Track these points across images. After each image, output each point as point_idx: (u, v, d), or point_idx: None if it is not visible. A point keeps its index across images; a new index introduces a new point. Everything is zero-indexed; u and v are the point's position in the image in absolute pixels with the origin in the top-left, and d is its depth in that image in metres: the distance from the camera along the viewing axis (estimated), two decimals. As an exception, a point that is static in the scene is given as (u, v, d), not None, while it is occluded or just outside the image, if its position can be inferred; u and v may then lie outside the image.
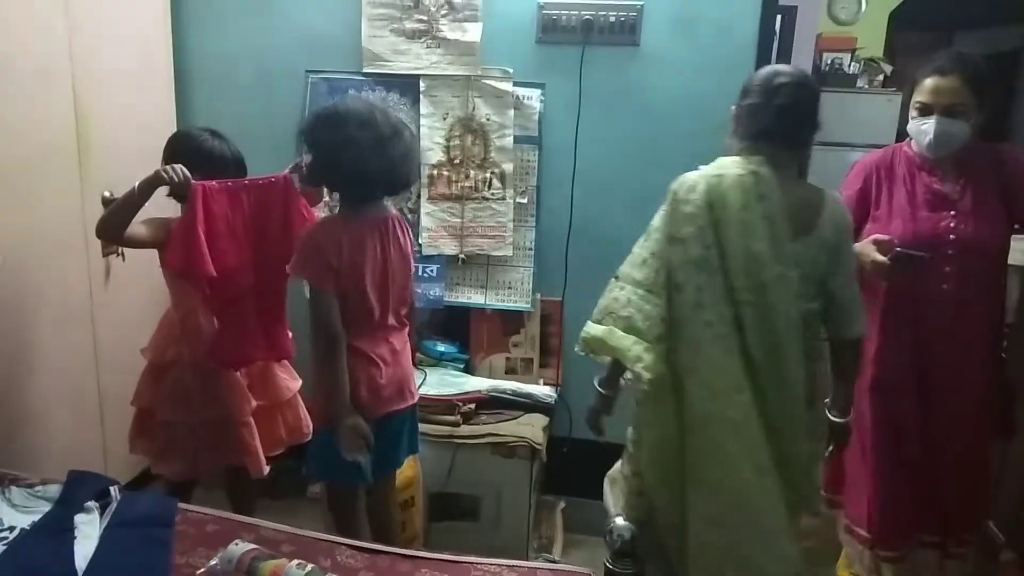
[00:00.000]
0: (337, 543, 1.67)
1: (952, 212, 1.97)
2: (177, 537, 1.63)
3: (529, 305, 2.80)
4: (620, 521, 1.57)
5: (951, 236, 1.96)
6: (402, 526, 2.43)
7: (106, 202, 2.34)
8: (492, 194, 2.76)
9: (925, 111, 1.94)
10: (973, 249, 1.94)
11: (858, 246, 1.90)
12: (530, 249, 2.80)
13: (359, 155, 1.82)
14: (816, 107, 1.70)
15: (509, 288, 2.82)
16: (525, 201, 2.77)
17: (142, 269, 2.34)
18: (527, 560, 2.56)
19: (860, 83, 3.33)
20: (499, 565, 1.60)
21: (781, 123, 1.66)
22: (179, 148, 2.04)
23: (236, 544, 1.48)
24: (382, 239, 1.96)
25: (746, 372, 1.60)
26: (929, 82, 1.92)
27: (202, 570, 1.46)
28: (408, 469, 2.43)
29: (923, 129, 1.94)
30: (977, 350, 1.98)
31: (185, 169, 1.88)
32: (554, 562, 2.56)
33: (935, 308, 1.97)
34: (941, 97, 1.90)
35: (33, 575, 1.46)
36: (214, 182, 1.95)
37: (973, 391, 1.99)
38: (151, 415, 2.09)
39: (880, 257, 1.88)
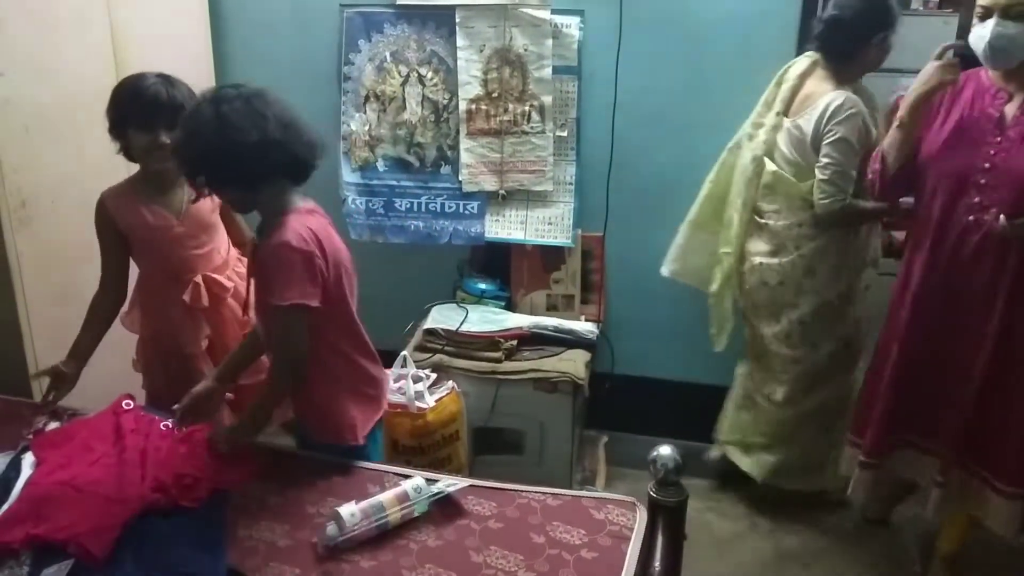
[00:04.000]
0: (386, 471, 1.71)
1: (998, 139, 1.88)
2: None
3: (570, 241, 2.77)
4: (665, 449, 1.56)
5: (985, 165, 1.88)
6: (447, 458, 2.48)
7: None
8: (531, 128, 2.70)
9: (985, 15, 1.82)
10: (1005, 182, 1.86)
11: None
12: (570, 184, 2.76)
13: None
14: (854, 23, 2.17)
15: (549, 224, 2.79)
16: (565, 134, 2.71)
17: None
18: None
19: (915, 5, 3.17)
20: (543, 493, 1.62)
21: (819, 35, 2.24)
22: (118, 92, 1.87)
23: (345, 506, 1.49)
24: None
25: None
26: None
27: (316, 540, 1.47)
28: (452, 404, 2.46)
29: (980, 35, 1.83)
30: (1002, 286, 1.92)
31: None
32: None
33: (963, 234, 1.94)
34: None
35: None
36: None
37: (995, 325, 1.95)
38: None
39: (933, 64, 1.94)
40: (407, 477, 1.66)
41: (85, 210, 1.95)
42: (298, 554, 1.45)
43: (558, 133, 2.71)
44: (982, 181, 1.89)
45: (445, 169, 2.79)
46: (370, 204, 2.83)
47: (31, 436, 1.73)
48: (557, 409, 2.56)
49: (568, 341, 2.67)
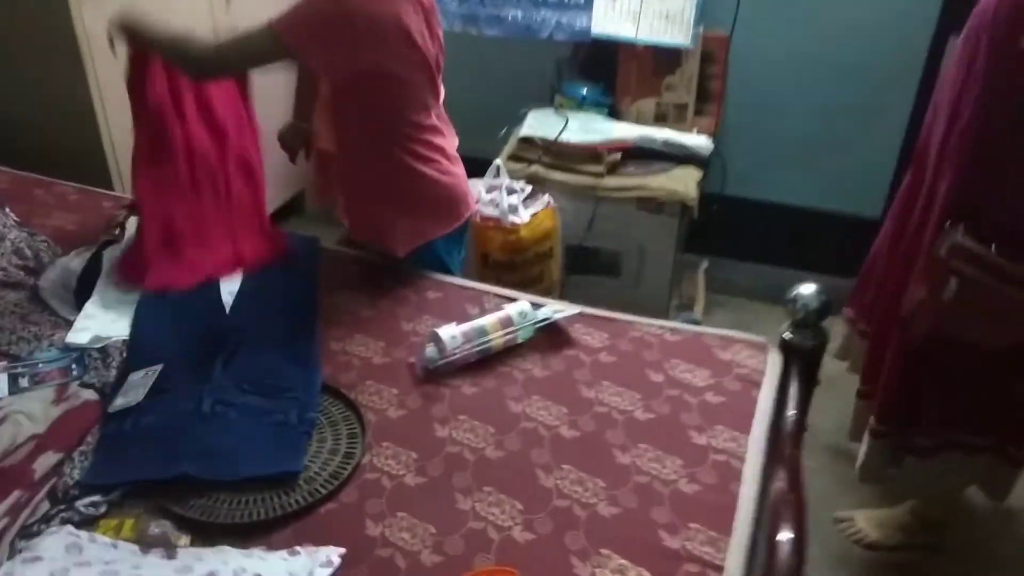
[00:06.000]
0: (484, 291, 1.57)
1: None
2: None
3: (688, 40, 2.41)
4: (808, 288, 1.36)
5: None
6: (539, 276, 2.33)
7: None
8: (656, -102, 2.27)
9: None
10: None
11: None
12: (696, -29, 2.36)
13: None
14: None
15: (666, 19, 2.42)
16: (695, -92, 2.28)
17: None
18: (667, 319, 2.46)
19: None
20: (660, 327, 1.45)
21: None
22: None
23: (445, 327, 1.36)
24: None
25: None
26: None
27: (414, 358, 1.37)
28: (547, 219, 2.27)
29: None
30: None
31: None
32: (696, 322, 2.44)
33: None
34: None
35: (182, 310, 1.43)
36: None
37: None
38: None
39: None
40: (509, 300, 1.52)
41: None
42: (395, 373, 1.35)
43: (687, -94, 2.28)
44: None
45: (551, -51, 2.41)
46: (462, -12, 2.49)
47: (115, 232, 1.63)
48: (660, 231, 2.35)
49: (678, 157, 2.41)
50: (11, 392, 1.27)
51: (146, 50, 1.45)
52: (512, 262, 2.25)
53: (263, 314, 1.44)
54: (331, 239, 1.79)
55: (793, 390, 1.31)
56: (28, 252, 1.59)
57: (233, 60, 1.45)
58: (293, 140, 1.82)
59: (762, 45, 2.45)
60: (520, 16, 2.46)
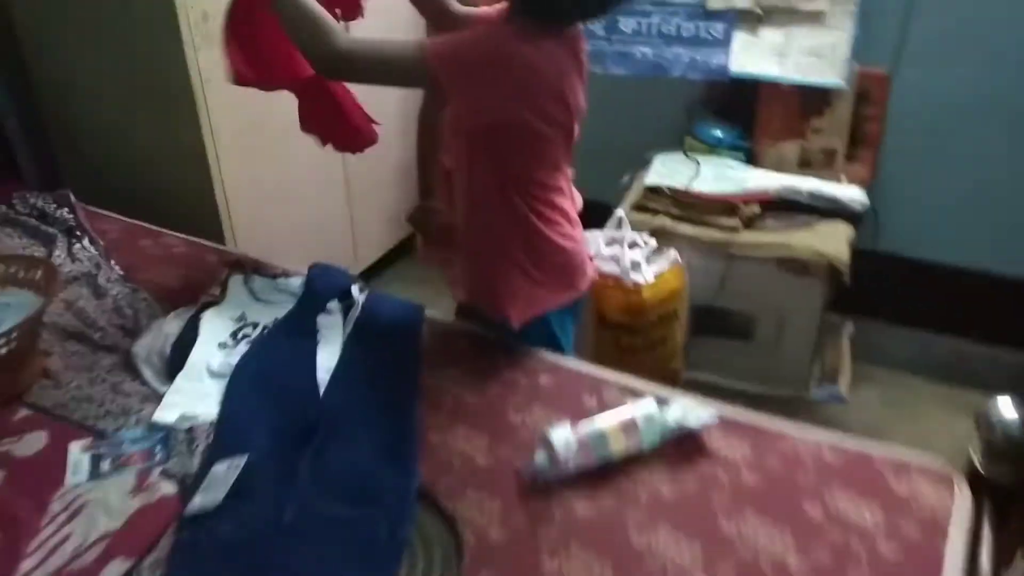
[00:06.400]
0: (603, 379, 1.37)
1: None
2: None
3: (842, 79, 2.14)
4: (1007, 406, 1.10)
5: None
6: (662, 339, 2.12)
7: None
8: (811, -77, 2.03)
9: None
10: None
11: None
12: (853, 1, 2.09)
13: None
14: None
15: (816, 56, 2.16)
16: (856, -68, 2.02)
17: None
18: (807, 394, 2.19)
19: None
20: (817, 442, 1.21)
21: None
22: None
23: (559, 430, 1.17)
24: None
25: None
26: None
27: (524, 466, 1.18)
28: (673, 280, 2.05)
29: None
30: None
31: None
32: (842, 399, 2.15)
33: None
34: None
35: (275, 388, 1.31)
36: None
37: None
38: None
39: None
40: (630, 392, 1.32)
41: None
42: (500, 479, 1.17)
43: (846, -70, 2.02)
44: None
45: (687, -21, 2.21)
46: (589, 24, 2.30)
47: (216, 293, 1.55)
48: (803, 296, 2.08)
49: (825, 210, 2.14)
50: (91, 477, 1.18)
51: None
52: (632, 325, 2.05)
53: (359, 398, 1.30)
54: (440, 289, 1.66)
55: (986, 538, 1.05)
56: (128, 311, 1.53)
57: (367, 64, 1.25)
58: (425, 222, 1.71)
59: (930, 83, 2.15)
60: (650, 53, 2.26)
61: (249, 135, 2.03)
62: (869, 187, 2.23)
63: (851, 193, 2.16)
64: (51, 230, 1.77)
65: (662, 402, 1.26)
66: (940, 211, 2.28)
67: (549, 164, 1.36)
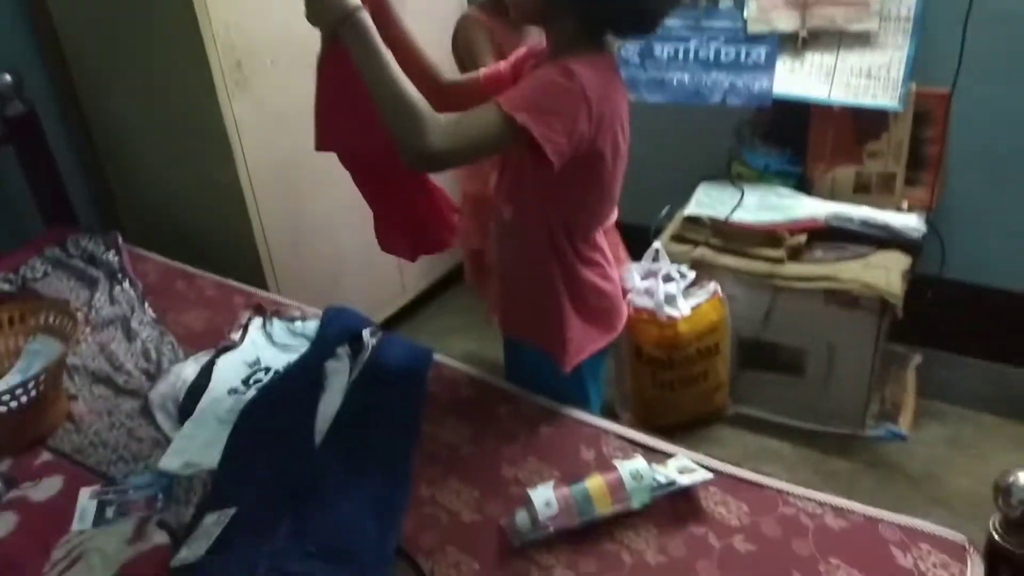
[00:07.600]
0: (604, 430, 1.32)
1: None
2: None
3: (896, 101, 2.01)
4: (1027, 477, 0.98)
5: None
6: (703, 374, 2.03)
7: None
8: (854, -63, 1.92)
9: None
10: None
11: None
12: (907, 18, 1.96)
13: None
14: None
15: (868, 77, 2.04)
16: (905, -55, 1.90)
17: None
18: (863, 430, 2.05)
19: None
20: (820, 504, 1.12)
21: None
22: None
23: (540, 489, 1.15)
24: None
25: None
26: None
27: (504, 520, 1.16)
28: (712, 312, 1.97)
29: None
30: None
31: None
32: (901, 437, 2.01)
33: None
34: None
35: (271, 434, 1.33)
36: None
37: None
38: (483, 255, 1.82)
39: None
40: (630, 442, 1.27)
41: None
42: (482, 538, 1.14)
43: (894, -57, 1.90)
44: None
45: (725, 3, 2.12)
46: (621, 51, 2.24)
47: (234, 338, 1.59)
48: (855, 329, 1.95)
49: (880, 239, 2.00)
50: (95, 524, 1.23)
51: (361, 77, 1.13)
52: (668, 359, 1.98)
53: (354, 449, 1.30)
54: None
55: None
56: (154, 355, 1.59)
57: (460, 158, 1.18)
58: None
59: (994, 101, 1.99)
60: (687, 80, 2.18)
61: (286, 173, 2.08)
62: (932, 211, 2.07)
63: (906, 220, 2.01)
64: (96, 272, 1.86)
65: (659, 457, 1.20)
66: (1009, 234, 2.09)
67: (608, 199, 1.31)
